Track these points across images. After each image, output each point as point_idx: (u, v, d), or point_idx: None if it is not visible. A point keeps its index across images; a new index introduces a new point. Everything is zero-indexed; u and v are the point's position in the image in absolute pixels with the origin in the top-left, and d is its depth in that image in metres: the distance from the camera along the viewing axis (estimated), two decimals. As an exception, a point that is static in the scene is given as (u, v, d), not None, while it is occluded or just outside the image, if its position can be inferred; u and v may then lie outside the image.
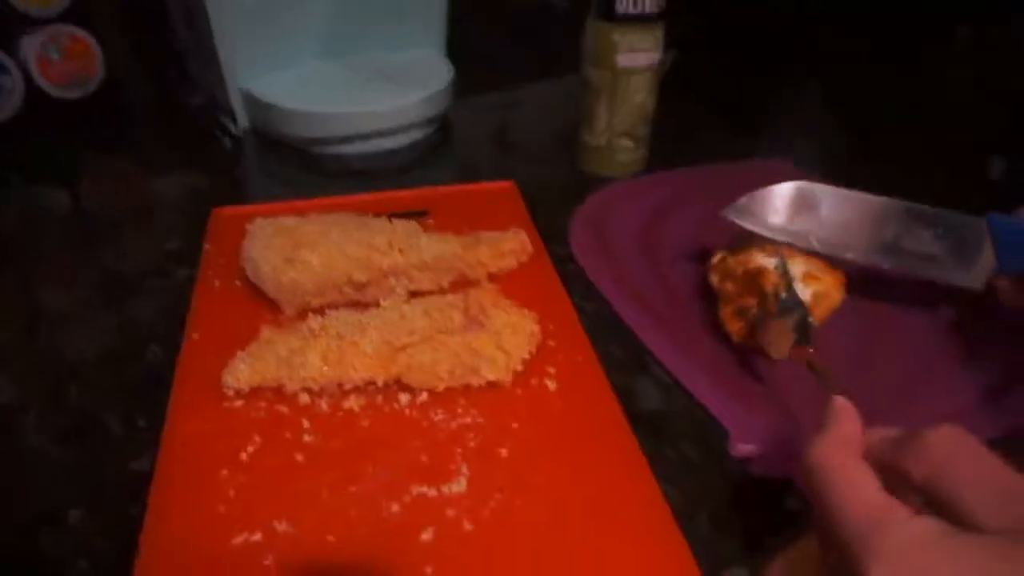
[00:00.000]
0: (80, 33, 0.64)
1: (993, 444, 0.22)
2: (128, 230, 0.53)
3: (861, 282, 0.43)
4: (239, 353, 0.38)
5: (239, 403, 0.37)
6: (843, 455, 0.25)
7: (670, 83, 0.60)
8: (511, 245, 0.46)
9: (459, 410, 0.37)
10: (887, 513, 0.22)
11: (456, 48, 0.73)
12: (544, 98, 0.77)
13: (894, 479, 0.24)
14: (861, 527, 0.22)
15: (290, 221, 0.44)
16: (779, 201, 0.45)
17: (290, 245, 0.42)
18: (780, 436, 0.37)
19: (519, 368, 0.38)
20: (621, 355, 0.42)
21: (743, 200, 0.45)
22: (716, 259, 0.45)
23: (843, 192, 0.45)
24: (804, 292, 0.40)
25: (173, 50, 0.71)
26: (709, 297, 0.45)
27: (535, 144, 0.68)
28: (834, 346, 0.41)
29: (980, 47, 0.57)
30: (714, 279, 0.44)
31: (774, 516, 0.34)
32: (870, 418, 0.27)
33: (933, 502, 0.22)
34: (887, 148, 0.63)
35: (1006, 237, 0.40)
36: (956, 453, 0.22)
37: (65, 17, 0.63)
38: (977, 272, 0.41)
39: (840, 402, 0.28)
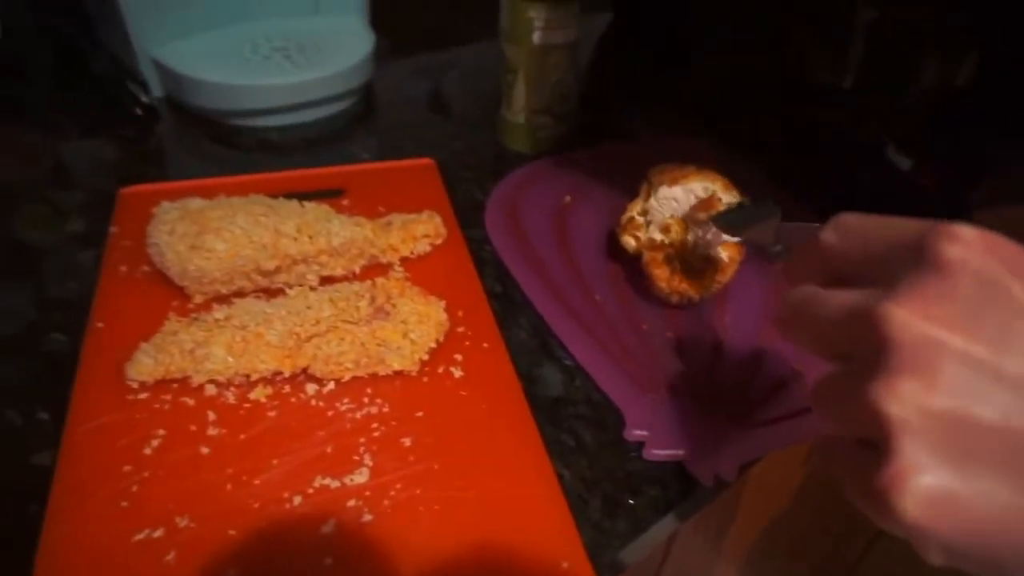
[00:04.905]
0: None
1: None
2: (30, 207, 0.51)
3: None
4: (142, 345, 0.38)
5: (144, 395, 0.37)
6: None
7: (601, 55, 0.59)
8: (424, 229, 0.47)
9: (365, 399, 0.38)
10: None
11: (383, 7, 0.70)
12: (480, 59, 0.76)
13: None
14: (923, 226, 0.22)
15: (196, 204, 0.43)
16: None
17: (195, 231, 0.41)
18: (674, 422, 0.39)
19: (425, 357, 0.39)
20: (528, 339, 0.44)
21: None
22: (628, 217, 0.46)
23: None
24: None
25: (76, 6, 0.67)
26: (618, 277, 0.46)
27: (463, 114, 0.67)
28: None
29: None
30: (628, 240, 0.45)
31: (663, 500, 0.36)
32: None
33: None
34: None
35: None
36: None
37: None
38: None
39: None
